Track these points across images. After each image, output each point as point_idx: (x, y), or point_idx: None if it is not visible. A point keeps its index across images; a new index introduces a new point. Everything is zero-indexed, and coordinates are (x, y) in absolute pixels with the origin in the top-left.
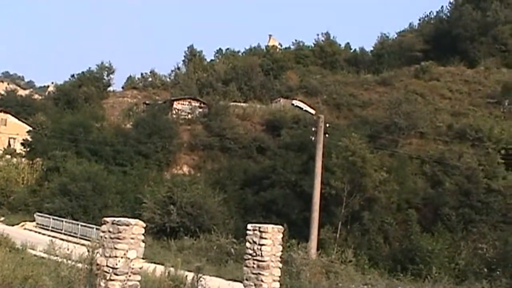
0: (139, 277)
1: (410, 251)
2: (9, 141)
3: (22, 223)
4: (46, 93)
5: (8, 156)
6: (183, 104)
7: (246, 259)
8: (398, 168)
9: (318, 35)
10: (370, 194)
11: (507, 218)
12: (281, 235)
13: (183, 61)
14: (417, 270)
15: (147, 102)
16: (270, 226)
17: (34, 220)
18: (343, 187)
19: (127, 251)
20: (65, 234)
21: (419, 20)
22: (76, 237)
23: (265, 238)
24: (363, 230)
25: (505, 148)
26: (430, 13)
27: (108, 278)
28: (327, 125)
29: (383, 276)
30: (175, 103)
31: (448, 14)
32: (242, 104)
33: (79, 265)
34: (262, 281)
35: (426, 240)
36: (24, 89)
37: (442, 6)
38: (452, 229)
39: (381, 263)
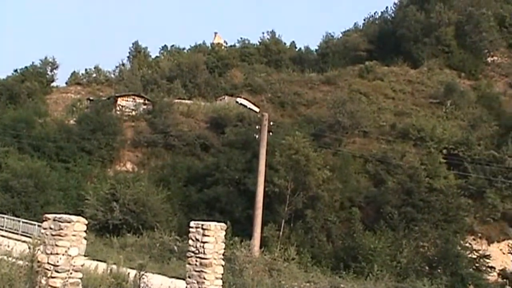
0: (80, 275)
1: (353, 249)
2: None
3: None
4: None
5: None
6: (127, 100)
7: (188, 257)
8: (341, 167)
9: (263, 33)
10: (314, 193)
11: (448, 217)
12: (224, 233)
13: (128, 57)
14: (359, 268)
15: (91, 98)
16: (213, 224)
17: None
18: (287, 185)
19: (68, 248)
20: (6, 231)
21: (364, 20)
22: (18, 234)
23: (208, 236)
24: (306, 228)
25: (447, 148)
26: (374, 14)
27: (49, 275)
28: (271, 123)
29: (326, 274)
30: (119, 99)
31: (393, 14)
32: (186, 101)
33: (20, 262)
34: (204, 278)
35: (368, 238)
36: None
37: (386, 7)
38: (394, 227)
39: (324, 261)
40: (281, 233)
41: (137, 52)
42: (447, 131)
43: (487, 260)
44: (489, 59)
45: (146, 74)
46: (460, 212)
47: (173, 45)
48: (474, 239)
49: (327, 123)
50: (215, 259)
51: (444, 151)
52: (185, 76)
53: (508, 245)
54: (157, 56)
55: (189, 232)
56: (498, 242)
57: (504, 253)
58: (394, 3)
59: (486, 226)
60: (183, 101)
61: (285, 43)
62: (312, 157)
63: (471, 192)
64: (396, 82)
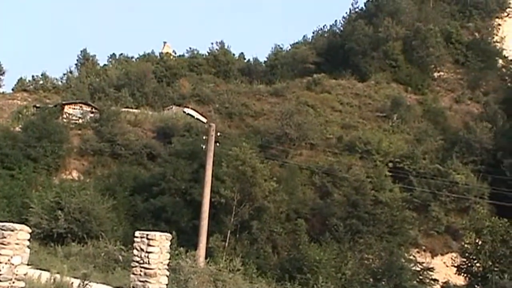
0: (23, 284)
1: (298, 261)
2: None
3: None
4: None
5: None
6: (74, 108)
7: (133, 267)
8: (288, 178)
9: (212, 43)
10: (260, 204)
11: (393, 229)
12: (169, 243)
13: (76, 65)
14: (304, 279)
15: (37, 105)
16: (158, 234)
17: None
18: (233, 196)
19: (11, 256)
20: None
21: (313, 33)
22: None
23: (153, 246)
24: (252, 239)
25: (393, 161)
26: (323, 27)
27: None
28: (219, 134)
29: (271, 285)
30: (66, 107)
31: (341, 28)
32: (134, 110)
33: None
34: None
35: (314, 250)
36: None
37: (335, 20)
38: (340, 239)
39: (269, 272)
40: (226, 244)
41: (85, 60)
42: (393, 145)
43: (431, 273)
44: (436, 74)
45: (94, 82)
46: (405, 225)
47: (121, 54)
48: (418, 252)
49: (274, 134)
50: (159, 269)
51: (390, 164)
52: (133, 85)
53: (451, 258)
54: (105, 64)
55: (134, 241)
56: (442, 255)
57: (447, 266)
58: (343, 17)
59: (430, 239)
60: (131, 110)
61: (234, 54)
62: (259, 168)
63: (415, 205)
64: (343, 95)
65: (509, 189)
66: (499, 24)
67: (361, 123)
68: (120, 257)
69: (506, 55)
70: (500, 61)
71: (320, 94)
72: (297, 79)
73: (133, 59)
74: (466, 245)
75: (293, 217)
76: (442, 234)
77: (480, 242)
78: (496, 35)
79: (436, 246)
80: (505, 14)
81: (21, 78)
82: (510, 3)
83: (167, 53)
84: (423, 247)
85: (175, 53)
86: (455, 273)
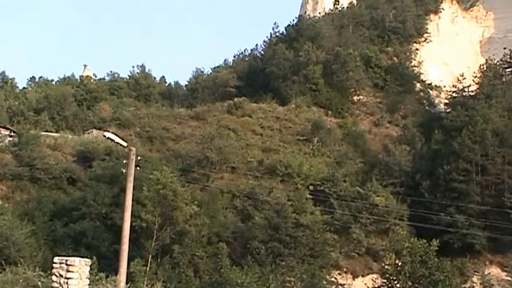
0: None
1: (220, 284)
2: None
3: None
4: None
5: None
6: None
7: None
8: (209, 202)
9: (133, 67)
10: (181, 228)
11: (314, 252)
12: (88, 268)
13: None
14: None
15: None
16: (77, 259)
17: None
18: (154, 220)
19: None
20: None
21: (234, 56)
22: None
23: (72, 272)
24: (173, 263)
25: (313, 184)
26: (244, 51)
27: None
28: (139, 158)
29: None
30: None
31: (262, 52)
32: (54, 134)
33: None
34: None
35: (235, 274)
36: None
37: (256, 44)
38: (262, 262)
39: None
40: (148, 268)
41: (4, 83)
42: (314, 168)
43: None
44: (355, 98)
45: (12, 105)
46: (326, 247)
47: (41, 77)
48: (339, 274)
49: (195, 158)
50: None
51: (311, 187)
52: (53, 108)
53: (372, 279)
54: (24, 87)
55: (53, 267)
56: (363, 276)
57: (368, 287)
58: (264, 41)
59: (351, 261)
60: (50, 133)
61: (155, 78)
62: (180, 192)
63: (336, 227)
64: (264, 118)
65: (427, 211)
66: (417, 49)
67: (282, 146)
68: (40, 284)
69: (424, 79)
70: (418, 85)
71: (241, 118)
72: (218, 103)
73: (53, 82)
74: (386, 266)
75: (214, 241)
76: (363, 256)
77: (400, 263)
78: (414, 59)
79: (357, 268)
80: (423, 39)
81: None
82: (427, 29)
83: (87, 76)
84: (344, 269)
85: (96, 77)
86: None
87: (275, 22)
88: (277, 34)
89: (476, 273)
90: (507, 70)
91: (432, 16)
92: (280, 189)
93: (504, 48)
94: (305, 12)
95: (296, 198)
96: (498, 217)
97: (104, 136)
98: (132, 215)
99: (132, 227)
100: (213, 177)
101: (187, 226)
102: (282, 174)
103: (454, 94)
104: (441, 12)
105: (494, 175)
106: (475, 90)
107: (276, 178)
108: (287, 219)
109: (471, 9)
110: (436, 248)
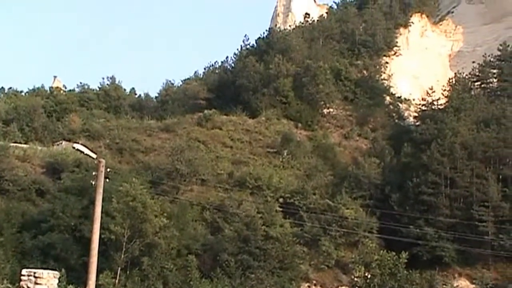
0: None
1: None
2: None
3: None
4: None
5: None
6: None
7: None
8: (178, 214)
9: (103, 78)
10: (150, 240)
11: (284, 264)
12: (56, 281)
13: None
14: None
15: None
16: (45, 271)
17: None
18: (123, 232)
19: None
20: None
21: (204, 69)
22: None
23: (40, 284)
24: (142, 276)
25: (283, 197)
26: (215, 63)
27: None
28: (109, 169)
29: None
30: None
31: (233, 64)
32: (22, 145)
33: None
34: None
35: (205, 286)
36: None
37: (227, 57)
38: (231, 275)
39: None
40: (117, 281)
41: None
42: (284, 180)
43: None
44: (325, 111)
45: None
46: (296, 260)
47: (10, 88)
48: (309, 286)
49: (165, 170)
50: None
51: (281, 199)
52: (22, 119)
53: None
54: None
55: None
56: None
57: None
58: (234, 53)
59: (320, 273)
60: (19, 145)
61: (125, 89)
62: (149, 204)
63: (306, 240)
64: (234, 131)
65: (397, 224)
66: (387, 62)
67: (251, 159)
68: None
69: (394, 92)
70: (388, 98)
71: (211, 130)
72: (188, 115)
73: (23, 93)
74: (355, 279)
75: (184, 253)
76: (332, 268)
77: (369, 276)
78: (384, 72)
79: (327, 280)
80: (393, 52)
81: None
82: (397, 42)
83: (57, 87)
84: (314, 282)
85: (66, 88)
86: None
87: (245, 35)
88: (248, 46)
89: (445, 286)
90: (476, 83)
91: (401, 29)
92: (250, 201)
93: (473, 62)
94: (276, 25)
95: (265, 211)
96: (467, 230)
97: (74, 147)
98: (101, 227)
99: (101, 239)
100: (182, 189)
101: (157, 238)
102: (252, 187)
103: (423, 107)
104: (410, 25)
105: (463, 188)
106: (444, 104)
107: (246, 190)
108: (256, 231)
109: (441, 23)
110: (405, 261)
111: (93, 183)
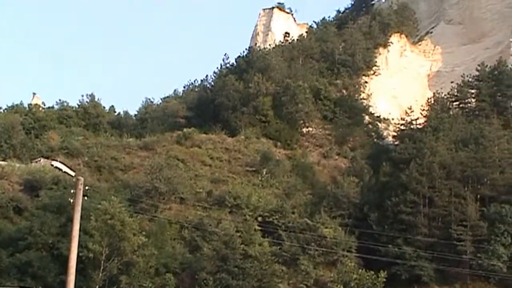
0: None
1: None
2: None
3: None
4: None
5: None
6: None
7: None
8: (157, 233)
9: (82, 96)
10: (129, 258)
11: (263, 283)
12: None
13: None
14: None
15: None
16: None
17: None
18: (101, 251)
19: None
20: None
21: (184, 87)
22: None
23: None
24: None
25: (262, 216)
26: (194, 81)
27: None
28: (87, 187)
29: None
30: None
31: (212, 83)
32: (1, 162)
33: None
34: None
35: None
36: None
37: (206, 75)
38: None
39: None
40: None
41: None
42: (263, 199)
43: None
44: (304, 130)
45: None
46: (274, 279)
47: None
48: None
49: (144, 188)
50: None
51: (259, 218)
52: (0, 136)
53: None
54: None
55: None
56: None
57: None
58: (214, 72)
59: None
60: None
61: (104, 107)
62: (128, 222)
63: (285, 259)
64: (213, 149)
65: (375, 243)
66: (366, 82)
67: (230, 177)
68: None
69: (373, 112)
70: (367, 117)
71: (190, 149)
72: (167, 133)
73: (1, 110)
74: None
75: (162, 272)
76: (311, 287)
77: None
78: (363, 92)
79: None
80: (372, 72)
81: None
82: (376, 62)
83: (36, 104)
84: None
85: (45, 105)
86: None
87: (225, 53)
88: (227, 65)
89: None
90: (454, 103)
91: (381, 49)
92: (228, 220)
93: (451, 82)
94: (256, 44)
95: (244, 229)
96: (445, 249)
97: (52, 165)
98: (79, 245)
99: (79, 257)
100: (161, 208)
101: (135, 256)
102: (231, 205)
103: (402, 127)
104: (390, 45)
105: (441, 207)
106: (423, 123)
107: (225, 209)
108: (235, 250)
109: (420, 43)
110: (384, 280)
111: (72, 201)
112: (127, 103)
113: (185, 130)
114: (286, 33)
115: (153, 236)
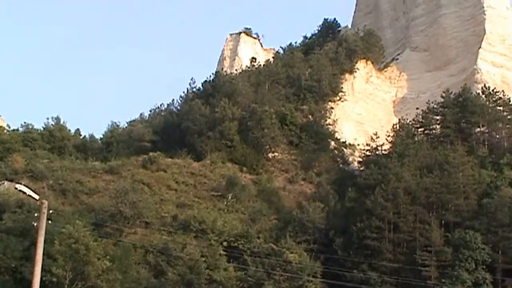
0: None
1: None
2: None
3: None
4: None
5: None
6: None
7: None
8: (122, 257)
9: (48, 119)
10: (93, 283)
11: None
12: None
13: None
14: None
15: None
16: None
17: None
18: (65, 275)
19: None
20: None
21: (150, 111)
22: None
23: None
24: None
25: (227, 240)
26: (161, 105)
27: None
28: (51, 211)
29: None
30: None
31: (178, 107)
32: None
33: None
34: None
35: None
36: None
37: (173, 99)
38: None
39: None
40: None
41: None
42: (228, 224)
43: None
44: (270, 155)
45: None
46: None
47: None
48: None
49: (108, 212)
50: None
51: (225, 243)
52: None
53: None
54: None
55: None
56: None
57: None
58: (180, 96)
59: None
60: None
61: (69, 130)
62: (92, 246)
63: (250, 284)
64: (179, 174)
65: (341, 268)
66: (332, 108)
67: (196, 202)
68: None
69: (338, 138)
70: (333, 143)
71: (156, 173)
72: (132, 157)
73: None
74: None
75: None
76: None
77: None
78: (329, 118)
79: None
80: (338, 98)
81: None
82: (342, 88)
83: (0, 127)
84: None
85: (9, 127)
86: None
87: (192, 78)
88: (194, 89)
89: None
90: (419, 129)
91: (347, 75)
92: (193, 245)
93: (417, 108)
94: (222, 69)
95: (209, 254)
96: (410, 274)
97: (16, 188)
98: (43, 269)
99: (42, 281)
100: (126, 232)
101: (99, 281)
102: (196, 230)
103: (367, 153)
104: (356, 72)
105: (406, 232)
106: (388, 149)
107: (190, 233)
108: (200, 275)
109: (385, 69)
110: None
111: (35, 224)
112: (93, 127)
113: (150, 154)
114: (253, 58)
115: (118, 261)
